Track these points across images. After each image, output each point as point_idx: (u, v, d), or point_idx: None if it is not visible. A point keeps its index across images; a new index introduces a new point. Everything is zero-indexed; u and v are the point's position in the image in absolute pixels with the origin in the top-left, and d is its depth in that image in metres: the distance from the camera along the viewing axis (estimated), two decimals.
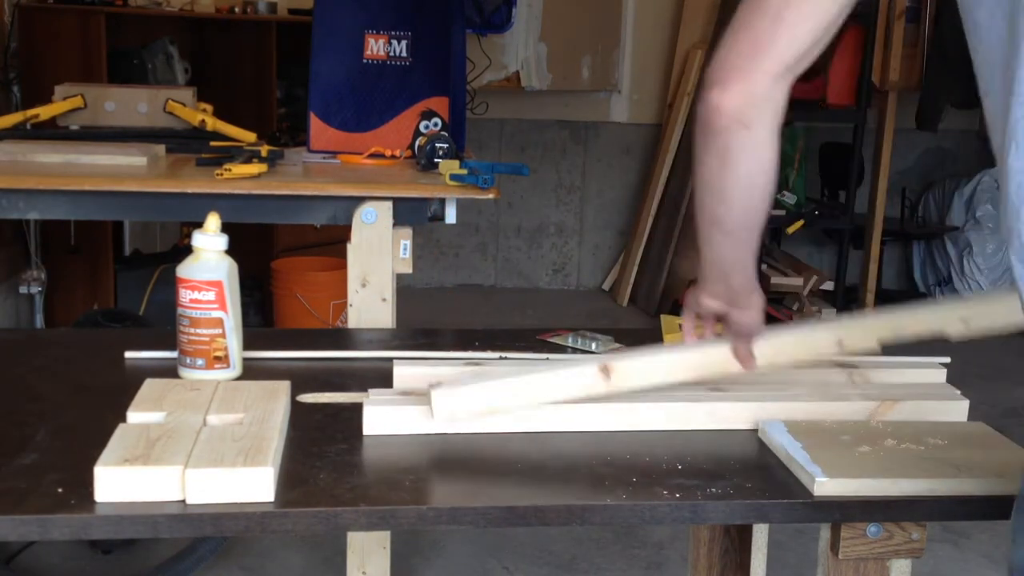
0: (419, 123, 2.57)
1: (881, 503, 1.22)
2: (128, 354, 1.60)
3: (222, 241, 1.48)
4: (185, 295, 1.46)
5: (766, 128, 1.11)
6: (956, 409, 1.46)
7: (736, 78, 1.10)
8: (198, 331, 1.46)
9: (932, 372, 1.61)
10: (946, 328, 1.36)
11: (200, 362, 1.47)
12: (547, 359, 1.63)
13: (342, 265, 2.34)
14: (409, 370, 1.50)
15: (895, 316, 1.33)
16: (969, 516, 1.27)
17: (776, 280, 5.08)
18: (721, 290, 1.29)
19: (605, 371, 1.25)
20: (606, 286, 5.86)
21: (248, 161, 2.33)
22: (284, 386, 1.41)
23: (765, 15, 1.09)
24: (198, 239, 1.48)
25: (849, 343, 1.29)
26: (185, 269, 1.46)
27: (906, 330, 1.34)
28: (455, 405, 1.24)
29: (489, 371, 1.31)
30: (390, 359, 1.53)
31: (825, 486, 1.22)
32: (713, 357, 1.32)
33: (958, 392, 1.53)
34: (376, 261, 2.26)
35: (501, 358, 1.62)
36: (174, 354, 1.51)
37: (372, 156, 2.58)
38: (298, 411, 1.40)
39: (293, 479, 1.19)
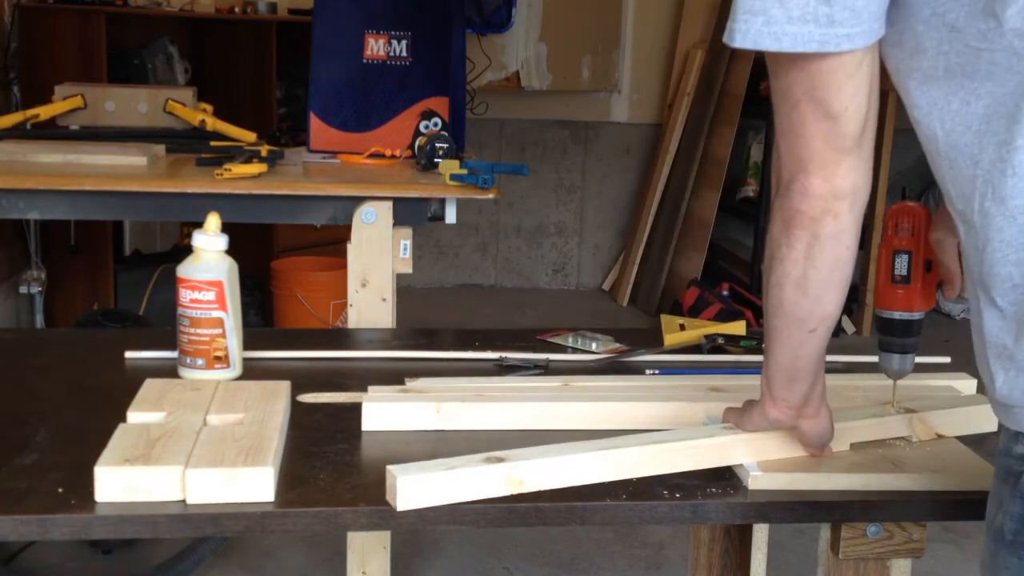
0: (419, 123, 2.57)
1: (880, 502, 1.22)
2: (128, 354, 1.60)
3: (222, 241, 1.49)
4: (185, 295, 1.46)
5: (853, 214, 1.07)
6: (984, 416, 1.40)
7: (815, 166, 1.05)
8: (198, 331, 1.46)
9: (960, 383, 1.56)
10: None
11: (200, 362, 1.47)
12: (547, 359, 1.64)
13: (342, 265, 2.34)
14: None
15: (957, 412, 1.38)
16: (969, 516, 1.27)
17: None
18: (792, 399, 1.20)
19: (566, 385, 1.20)
20: (606, 286, 5.85)
21: (248, 161, 2.33)
22: (284, 386, 1.41)
23: (800, 103, 1.03)
24: (198, 239, 1.48)
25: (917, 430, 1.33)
26: (185, 269, 1.47)
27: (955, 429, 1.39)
28: (420, 493, 1.13)
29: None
30: (390, 359, 1.53)
31: (759, 480, 1.22)
32: (714, 443, 1.27)
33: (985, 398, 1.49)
34: (376, 261, 2.26)
35: (501, 358, 1.63)
36: (174, 354, 1.51)
37: (372, 156, 2.58)
38: (298, 411, 1.40)
39: (293, 479, 1.19)
